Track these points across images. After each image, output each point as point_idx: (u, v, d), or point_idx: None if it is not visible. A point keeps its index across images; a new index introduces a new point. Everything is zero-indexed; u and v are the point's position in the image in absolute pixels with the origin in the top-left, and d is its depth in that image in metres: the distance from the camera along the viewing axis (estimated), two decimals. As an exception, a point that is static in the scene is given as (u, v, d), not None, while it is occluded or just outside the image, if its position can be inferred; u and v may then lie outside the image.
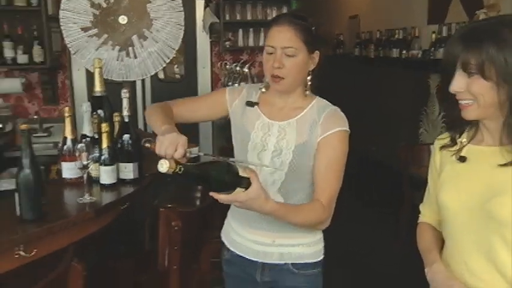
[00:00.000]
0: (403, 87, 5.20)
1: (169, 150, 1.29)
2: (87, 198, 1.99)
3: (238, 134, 1.65)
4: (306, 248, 1.61)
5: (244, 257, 1.65)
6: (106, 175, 2.17)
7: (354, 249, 3.84)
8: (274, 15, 4.67)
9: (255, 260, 1.63)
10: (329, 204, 1.49)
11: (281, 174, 1.55)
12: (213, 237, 2.13)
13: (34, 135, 4.24)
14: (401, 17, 5.21)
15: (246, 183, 1.29)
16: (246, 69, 4.23)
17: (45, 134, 4.17)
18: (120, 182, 2.23)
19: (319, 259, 1.64)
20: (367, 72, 5.85)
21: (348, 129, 1.54)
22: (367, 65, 5.81)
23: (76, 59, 2.72)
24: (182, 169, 1.22)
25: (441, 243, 1.37)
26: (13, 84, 4.17)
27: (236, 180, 1.28)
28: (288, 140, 1.54)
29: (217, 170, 1.27)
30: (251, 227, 1.62)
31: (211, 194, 1.29)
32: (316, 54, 1.55)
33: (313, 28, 1.53)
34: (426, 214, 1.46)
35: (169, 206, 1.86)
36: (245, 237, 1.65)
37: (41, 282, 1.23)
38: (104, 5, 2.59)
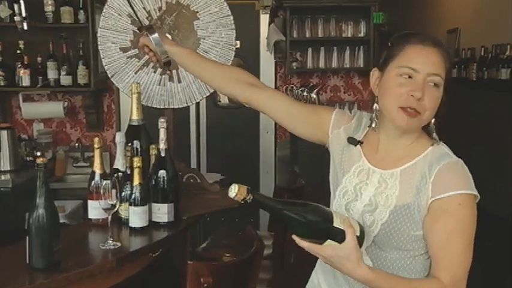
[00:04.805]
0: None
1: None
2: (110, 243, 2.01)
3: (333, 172, 1.59)
4: None
5: None
6: (136, 217, 2.20)
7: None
8: (350, 32, 4.62)
9: None
10: (455, 286, 1.36)
11: (369, 237, 1.42)
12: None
13: (74, 164, 4.46)
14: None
15: (340, 236, 1.27)
16: (314, 95, 4.19)
17: (86, 164, 4.36)
18: (153, 226, 2.25)
19: None
20: (467, 98, 5.62)
21: (474, 191, 1.37)
22: (467, 89, 5.58)
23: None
24: (252, 198, 1.25)
25: None
26: (54, 108, 4.38)
27: (328, 230, 1.28)
28: (388, 196, 1.42)
29: (307, 212, 1.28)
30: (335, 277, 1.54)
31: (293, 237, 1.30)
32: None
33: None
34: None
35: (201, 258, 1.82)
36: None
37: None
38: (146, 22, 2.67)
